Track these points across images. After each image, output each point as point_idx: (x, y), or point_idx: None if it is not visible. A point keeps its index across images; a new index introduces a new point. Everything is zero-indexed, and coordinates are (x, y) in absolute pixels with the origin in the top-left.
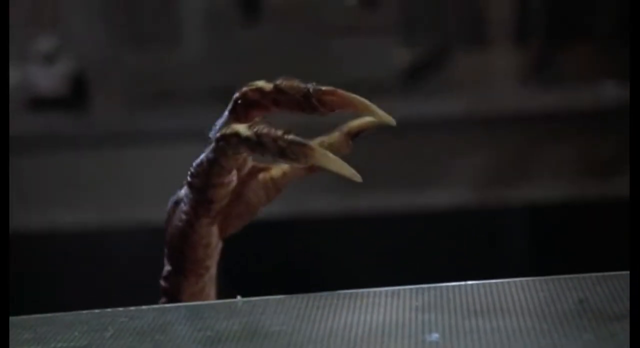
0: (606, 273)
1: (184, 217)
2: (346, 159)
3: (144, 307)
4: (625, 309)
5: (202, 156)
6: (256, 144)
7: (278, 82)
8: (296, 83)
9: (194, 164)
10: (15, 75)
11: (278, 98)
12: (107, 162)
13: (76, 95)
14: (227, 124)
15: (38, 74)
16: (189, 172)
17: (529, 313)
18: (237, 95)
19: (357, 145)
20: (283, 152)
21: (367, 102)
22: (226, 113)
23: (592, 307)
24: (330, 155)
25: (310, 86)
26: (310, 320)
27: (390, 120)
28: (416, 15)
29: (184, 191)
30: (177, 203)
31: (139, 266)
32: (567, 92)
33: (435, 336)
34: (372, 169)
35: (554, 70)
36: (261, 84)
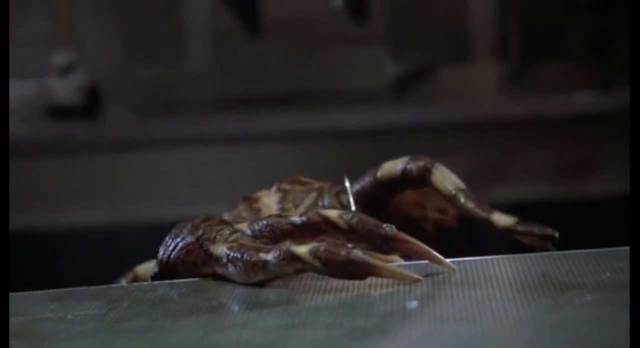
0: (566, 252)
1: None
2: (340, 161)
3: (156, 282)
4: (582, 281)
5: (258, 255)
6: (320, 269)
7: (352, 220)
8: (369, 224)
9: (248, 255)
10: (34, 86)
11: (350, 236)
12: (119, 166)
13: (90, 104)
14: (288, 234)
15: (55, 85)
16: (239, 252)
17: (497, 284)
18: (306, 220)
19: (349, 149)
20: (350, 275)
21: (438, 255)
22: (290, 221)
23: (553, 279)
24: (392, 268)
25: (383, 230)
26: (304, 291)
27: (454, 269)
28: (405, 30)
29: (225, 251)
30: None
31: (145, 261)
32: (542, 101)
33: (414, 303)
34: (362, 171)
35: (531, 82)
36: (334, 217)
